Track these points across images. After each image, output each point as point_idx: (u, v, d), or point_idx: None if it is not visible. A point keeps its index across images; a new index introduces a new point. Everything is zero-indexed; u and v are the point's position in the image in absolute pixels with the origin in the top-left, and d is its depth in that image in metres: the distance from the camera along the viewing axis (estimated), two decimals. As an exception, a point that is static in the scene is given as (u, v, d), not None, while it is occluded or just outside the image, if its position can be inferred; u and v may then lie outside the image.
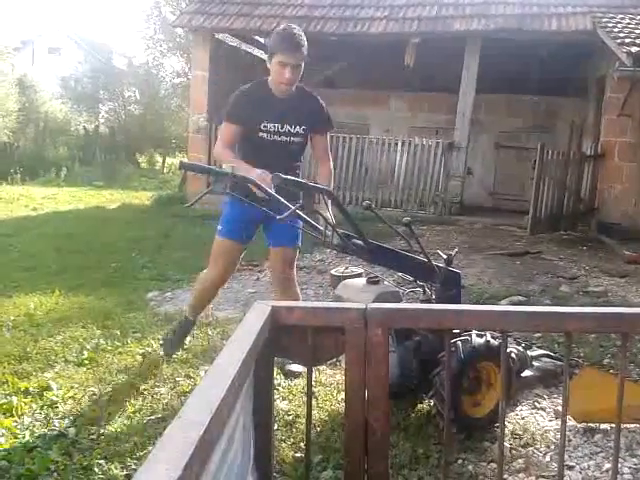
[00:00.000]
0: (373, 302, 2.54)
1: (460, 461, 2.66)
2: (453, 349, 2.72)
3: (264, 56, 14.78)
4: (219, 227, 3.55)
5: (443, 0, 10.63)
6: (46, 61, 34.89)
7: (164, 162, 22.12)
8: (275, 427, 2.68)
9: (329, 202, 3.08)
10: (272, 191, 2.91)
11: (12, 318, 4.53)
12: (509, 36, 9.87)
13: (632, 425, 2.90)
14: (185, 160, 12.72)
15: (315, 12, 10.85)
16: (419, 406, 3.10)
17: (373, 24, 10.41)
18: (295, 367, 3.50)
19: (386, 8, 10.72)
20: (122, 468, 2.56)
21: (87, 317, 4.58)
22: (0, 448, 2.66)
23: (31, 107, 21.59)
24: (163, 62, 22.22)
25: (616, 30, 8.61)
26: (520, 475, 2.59)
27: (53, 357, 3.77)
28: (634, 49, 7.75)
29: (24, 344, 3.96)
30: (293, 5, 11.05)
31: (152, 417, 3.03)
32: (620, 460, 2.56)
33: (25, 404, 3.10)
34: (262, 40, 13.50)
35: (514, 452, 2.76)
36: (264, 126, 3.37)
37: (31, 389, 3.27)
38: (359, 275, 3.18)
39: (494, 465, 2.59)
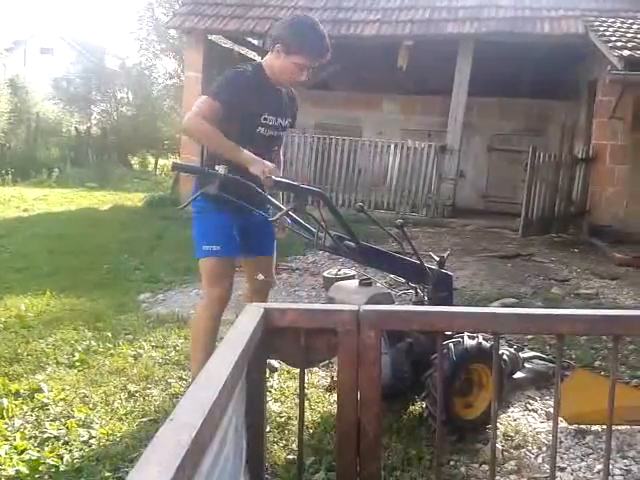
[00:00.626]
0: (365, 304, 2.54)
1: (452, 463, 2.66)
2: (445, 351, 2.72)
3: (257, 58, 14.81)
4: (213, 247, 3.06)
5: (436, 3, 10.68)
6: (38, 62, 34.78)
7: (156, 163, 22.09)
8: (267, 429, 2.68)
9: (321, 204, 3.08)
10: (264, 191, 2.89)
11: (3, 320, 4.51)
12: (501, 39, 9.91)
13: (623, 427, 2.92)
14: (178, 161, 12.66)
15: (308, 14, 10.85)
16: (411, 408, 3.11)
17: (366, 27, 10.43)
18: (273, 361, 3.41)
19: (379, 11, 10.75)
20: (114, 470, 2.55)
21: (79, 319, 4.56)
22: (-10, 450, 2.64)
23: (23, 108, 21.50)
24: (156, 63, 22.28)
25: (607, 34, 8.66)
26: (512, 477, 2.59)
27: (44, 359, 3.75)
28: (625, 52, 7.80)
29: (15, 346, 3.94)
30: (287, 7, 11.06)
31: (144, 419, 3.02)
32: (611, 461, 2.58)
33: (16, 406, 3.09)
34: (255, 42, 13.51)
35: (506, 454, 2.77)
36: (264, 119, 3.04)
37: (22, 391, 3.26)
38: (351, 277, 3.18)
39: (486, 467, 2.59)
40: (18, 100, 21.28)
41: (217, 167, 2.86)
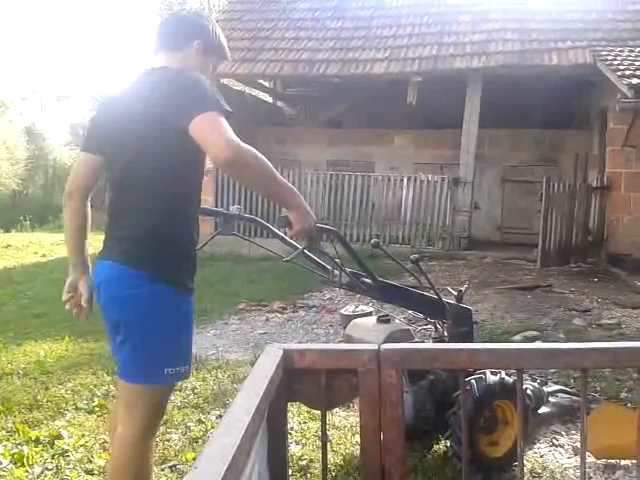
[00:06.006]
0: (384, 341, 2.51)
1: (479, 503, 2.60)
2: (468, 388, 2.68)
3: (268, 98, 15.00)
4: (181, 368, 2.11)
5: (443, 39, 10.82)
6: (55, 108, 35.49)
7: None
8: (289, 472, 2.63)
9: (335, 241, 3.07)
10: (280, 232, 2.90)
11: (22, 366, 4.52)
12: (510, 72, 10.00)
13: (654, 461, 2.84)
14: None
15: (318, 55, 11.04)
16: (435, 447, 3.05)
17: (375, 65, 10.58)
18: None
19: (387, 49, 10.91)
20: (135, 518, 2.51)
21: (97, 363, 4.56)
22: (11, 500, 2.62)
23: (40, 154, 21.86)
24: (169, 107, 22.60)
25: (616, 63, 8.71)
26: (541, 516, 2.53)
27: (64, 405, 3.74)
28: (635, 81, 7.83)
29: (34, 392, 3.94)
30: (296, 49, 11.27)
31: (164, 465, 2.99)
32: (644, 498, 2.50)
33: (36, 453, 3.07)
34: (266, 84, 13.74)
35: (534, 492, 2.70)
36: None
37: (42, 438, 3.24)
38: (369, 314, 3.16)
39: (514, 506, 2.53)
40: (35, 147, 21.65)
41: (231, 207, 2.88)
